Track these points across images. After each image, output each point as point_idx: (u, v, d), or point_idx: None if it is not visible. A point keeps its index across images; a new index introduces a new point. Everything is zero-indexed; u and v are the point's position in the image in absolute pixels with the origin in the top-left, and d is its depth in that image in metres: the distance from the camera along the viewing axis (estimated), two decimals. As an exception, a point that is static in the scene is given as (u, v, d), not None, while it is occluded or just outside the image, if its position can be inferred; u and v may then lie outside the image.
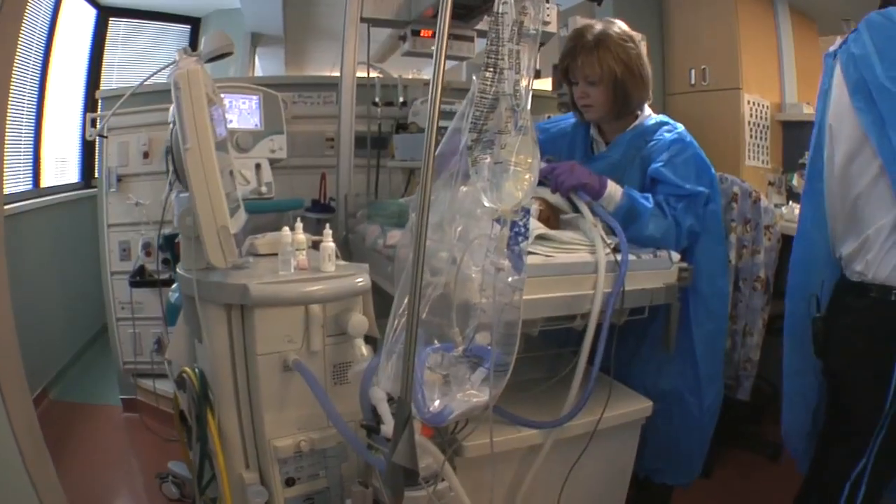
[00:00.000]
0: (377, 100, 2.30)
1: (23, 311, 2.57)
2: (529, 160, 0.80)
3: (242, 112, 1.70)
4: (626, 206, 1.40)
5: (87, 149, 3.43)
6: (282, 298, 1.05)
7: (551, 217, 1.44)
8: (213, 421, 1.18)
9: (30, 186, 3.00)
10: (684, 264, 1.42)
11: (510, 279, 0.83)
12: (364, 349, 1.12)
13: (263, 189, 1.65)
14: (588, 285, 1.28)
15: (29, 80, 2.95)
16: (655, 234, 1.39)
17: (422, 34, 1.93)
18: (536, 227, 1.32)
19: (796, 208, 2.38)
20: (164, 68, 1.95)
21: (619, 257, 1.29)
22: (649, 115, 1.57)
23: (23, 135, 2.95)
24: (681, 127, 1.52)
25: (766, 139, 2.67)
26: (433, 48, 0.79)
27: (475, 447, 1.20)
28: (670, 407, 1.52)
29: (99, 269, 2.55)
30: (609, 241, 1.32)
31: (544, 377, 1.37)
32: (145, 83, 1.67)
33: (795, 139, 2.68)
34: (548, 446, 1.29)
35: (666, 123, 1.53)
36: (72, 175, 3.50)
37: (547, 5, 2.00)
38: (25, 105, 2.95)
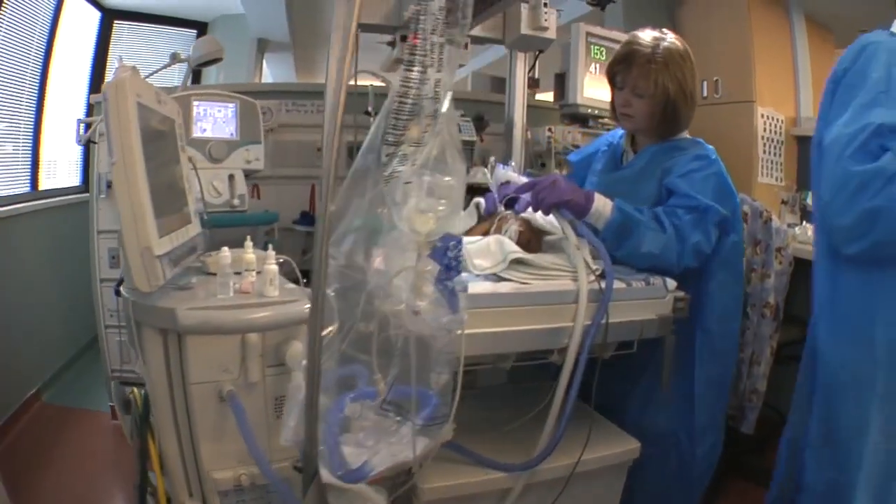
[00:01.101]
0: (370, 109, 2.22)
1: (18, 313, 2.57)
2: (447, 178, 0.69)
3: (217, 120, 1.63)
4: (618, 221, 1.27)
5: (88, 153, 3.42)
6: (212, 326, 0.97)
7: (532, 239, 1.33)
8: (154, 446, 1.12)
9: (27, 189, 2.99)
10: (681, 293, 1.29)
11: (445, 319, 0.72)
12: (305, 383, 1.03)
13: (236, 202, 1.57)
14: (569, 316, 1.16)
15: (28, 81, 2.94)
16: (653, 251, 1.27)
17: (410, 39, 1.83)
18: (513, 250, 1.21)
19: (810, 229, 2.24)
20: (152, 73, 1.91)
21: (604, 285, 1.17)
22: (686, 136, 1.49)
23: (21, 137, 2.94)
24: (712, 148, 1.43)
25: (780, 155, 2.55)
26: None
27: (434, 490, 1.10)
28: (667, 451, 1.39)
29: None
30: (594, 267, 1.20)
31: (522, 413, 1.26)
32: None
33: (811, 155, 2.54)
34: (517, 491, 1.18)
35: (698, 143, 1.45)
36: (73, 179, 3.50)
37: (545, 10, 1.90)
38: (24, 107, 2.94)
